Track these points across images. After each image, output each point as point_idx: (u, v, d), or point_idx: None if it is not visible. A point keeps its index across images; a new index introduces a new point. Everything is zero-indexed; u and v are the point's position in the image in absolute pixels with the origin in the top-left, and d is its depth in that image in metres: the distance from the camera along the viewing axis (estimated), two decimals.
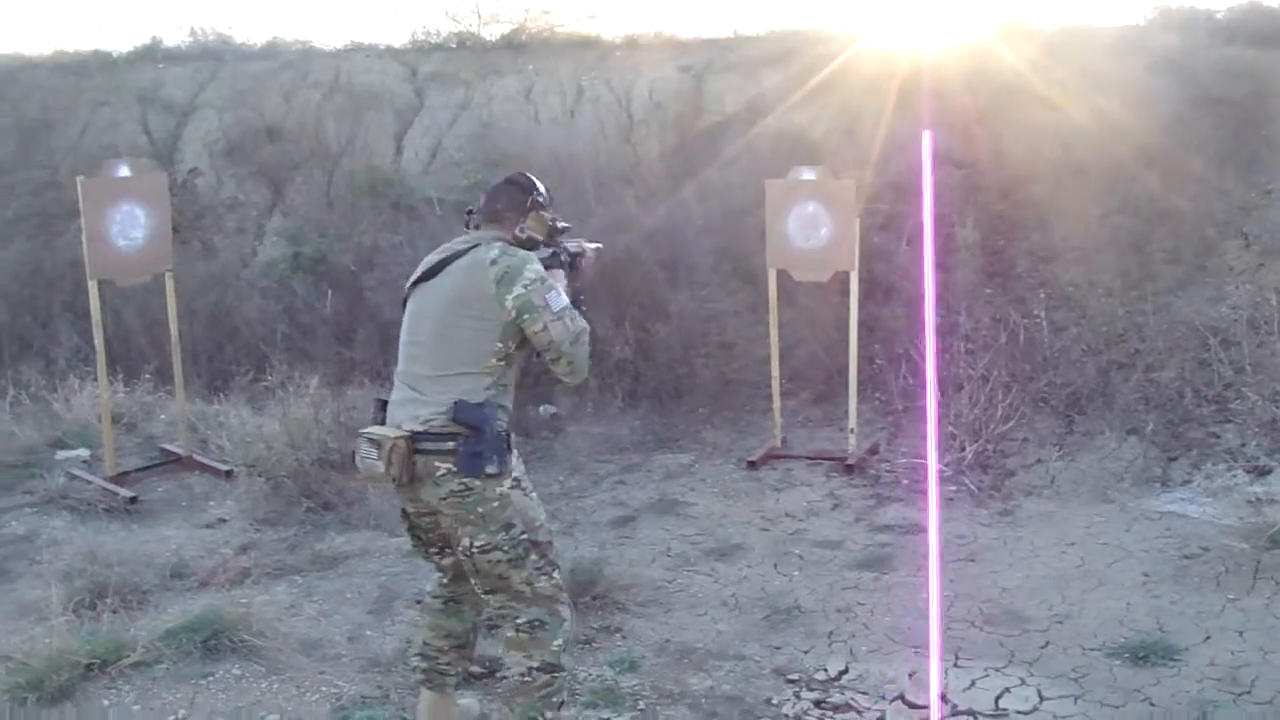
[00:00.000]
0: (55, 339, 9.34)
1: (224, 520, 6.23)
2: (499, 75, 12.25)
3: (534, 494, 3.57)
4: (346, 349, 8.81)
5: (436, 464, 3.36)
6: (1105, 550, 5.44)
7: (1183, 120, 9.16)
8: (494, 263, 3.44)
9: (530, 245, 3.62)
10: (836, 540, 5.78)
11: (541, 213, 3.67)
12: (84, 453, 7.05)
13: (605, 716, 4.07)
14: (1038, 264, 8.54)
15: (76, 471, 6.72)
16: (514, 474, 3.46)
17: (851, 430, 6.96)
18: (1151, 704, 4.05)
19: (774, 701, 4.18)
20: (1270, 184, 8.78)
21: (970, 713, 4.03)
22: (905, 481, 6.48)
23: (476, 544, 3.40)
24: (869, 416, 7.38)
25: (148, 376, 8.13)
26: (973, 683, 4.23)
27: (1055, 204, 8.88)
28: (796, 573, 5.38)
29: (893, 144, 9.09)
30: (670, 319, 8.31)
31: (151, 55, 13.78)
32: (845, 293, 7.17)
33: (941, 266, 8.21)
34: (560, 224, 3.74)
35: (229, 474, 6.70)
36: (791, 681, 4.32)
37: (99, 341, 6.76)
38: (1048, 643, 4.55)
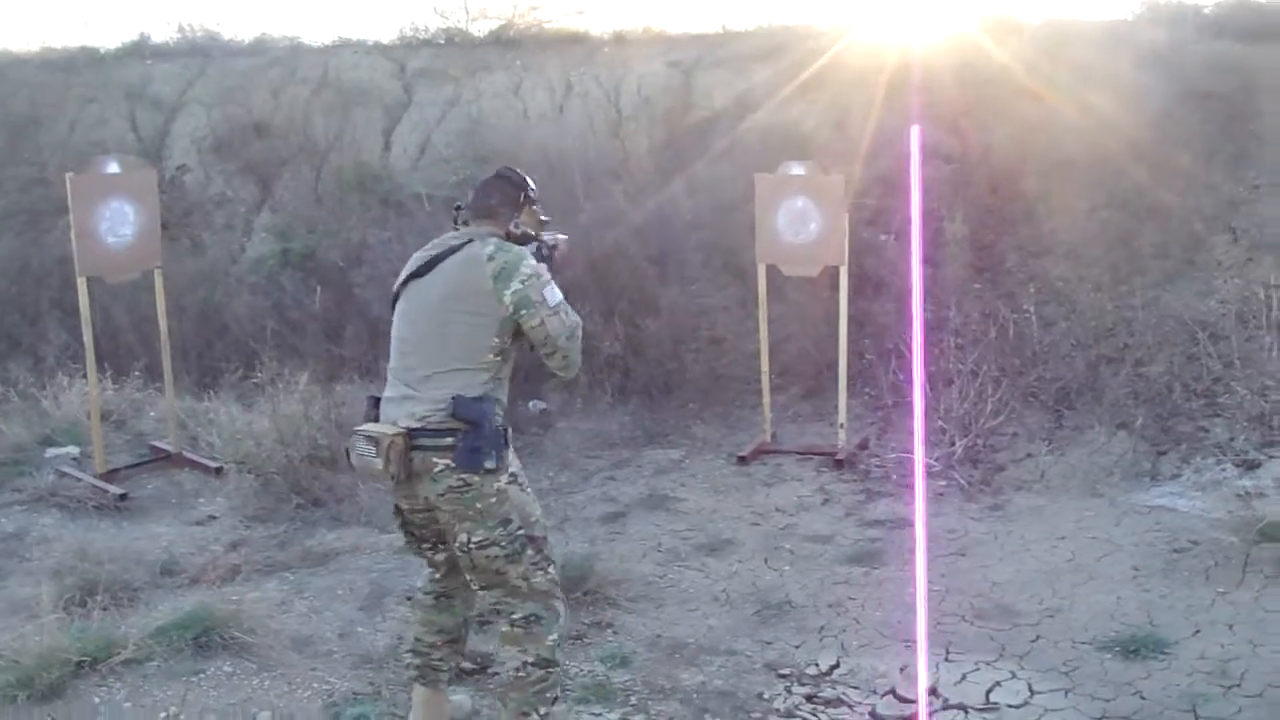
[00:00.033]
0: (44, 336, 9.31)
1: (214, 517, 6.21)
2: (487, 71, 12.26)
3: (530, 489, 3.57)
4: (336, 345, 8.80)
5: (434, 460, 3.35)
6: (1095, 544, 5.45)
7: (1171, 115, 9.20)
8: (491, 258, 3.44)
9: (524, 240, 3.62)
10: (827, 535, 5.78)
11: (534, 207, 3.68)
12: (73, 450, 7.02)
13: (597, 712, 4.07)
14: (1027, 259, 8.57)
15: (66, 469, 6.69)
16: (511, 469, 3.46)
17: (841, 425, 6.97)
18: (1142, 697, 4.06)
19: (765, 696, 4.18)
20: (1258, 179, 8.83)
21: (961, 706, 4.04)
22: (895, 476, 6.49)
23: (474, 539, 3.39)
24: (859, 411, 7.39)
25: (137, 373, 8.09)
26: (964, 676, 4.25)
27: (1044, 199, 8.91)
28: (787, 568, 5.39)
29: (881, 139, 9.11)
30: (660, 314, 8.31)
31: (139, 52, 13.77)
32: (835, 288, 7.17)
33: (931, 261, 8.23)
34: (543, 217, 3.75)
35: (219, 471, 6.68)
36: (783, 676, 4.33)
37: (88, 338, 6.72)
38: (1038, 636, 4.56)
